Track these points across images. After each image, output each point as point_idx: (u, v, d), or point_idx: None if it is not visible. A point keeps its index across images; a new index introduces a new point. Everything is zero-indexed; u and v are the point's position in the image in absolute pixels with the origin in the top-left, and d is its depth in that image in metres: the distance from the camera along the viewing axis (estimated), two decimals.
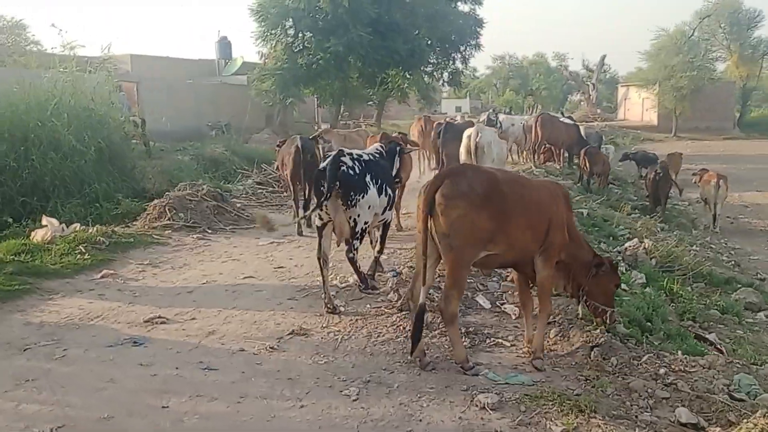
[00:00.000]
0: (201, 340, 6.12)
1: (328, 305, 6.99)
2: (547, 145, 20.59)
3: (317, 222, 7.18)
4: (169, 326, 6.52)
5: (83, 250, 8.92)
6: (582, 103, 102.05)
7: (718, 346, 7.04)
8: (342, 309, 7.02)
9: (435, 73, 36.37)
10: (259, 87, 29.32)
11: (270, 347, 5.91)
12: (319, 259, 7.10)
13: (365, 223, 7.16)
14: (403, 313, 6.66)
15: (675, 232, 15.21)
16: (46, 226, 9.79)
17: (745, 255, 15.92)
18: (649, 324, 6.90)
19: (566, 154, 21.35)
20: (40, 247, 8.87)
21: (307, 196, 10.71)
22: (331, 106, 33.42)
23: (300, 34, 30.12)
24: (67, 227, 10.02)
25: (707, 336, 7.44)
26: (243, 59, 35.74)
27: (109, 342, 6.04)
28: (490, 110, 26.41)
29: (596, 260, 6.00)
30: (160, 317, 6.67)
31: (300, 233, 10.92)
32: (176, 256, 9.54)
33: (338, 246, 7.45)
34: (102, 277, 8.24)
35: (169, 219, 11.11)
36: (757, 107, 58.26)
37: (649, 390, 5.07)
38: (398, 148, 8.27)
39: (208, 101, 30.71)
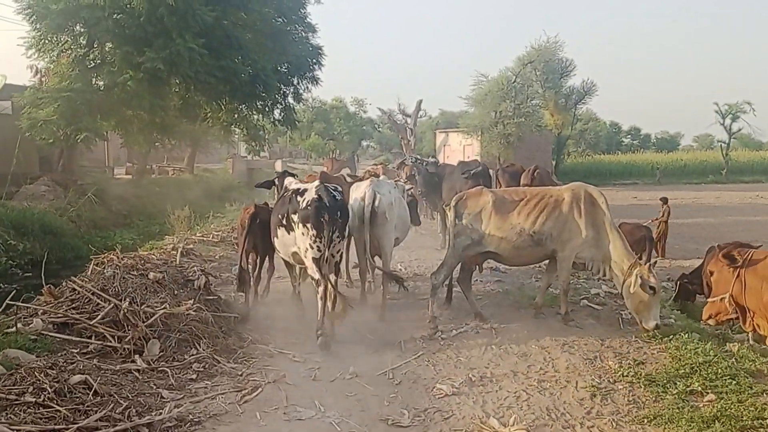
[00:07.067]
0: None
1: None
2: None
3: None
4: None
5: None
6: (370, 148, 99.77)
7: None
8: None
9: (266, 109, 28.02)
10: (34, 116, 19.09)
11: None
12: None
13: None
14: None
15: None
16: None
17: None
18: None
19: None
20: None
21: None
22: (141, 145, 23.70)
23: (97, 44, 20.42)
24: None
25: None
26: (5, 79, 24.65)
27: None
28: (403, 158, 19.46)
29: None
30: None
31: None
32: None
33: None
34: None
35: None
36: (573, 154, 57.25)
37: None
38: None
39: None
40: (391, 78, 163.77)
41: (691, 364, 5.96)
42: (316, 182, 7.50)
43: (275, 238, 7.79)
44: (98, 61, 20.38)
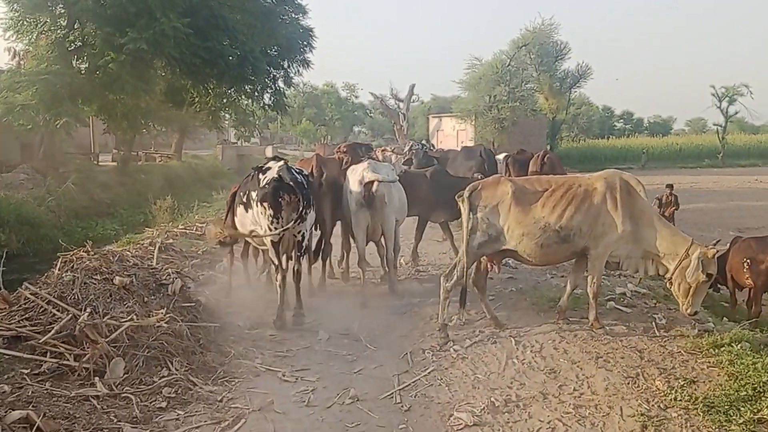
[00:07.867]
0: None
1: None
2: None
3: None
4: None
5: None
6: (361, 133, 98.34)
7: None
8: None
9: (256, 94, 26.74)
10: (12, 100, 17.92)
11: None
12: None
13: None
14: None
15: None
16: None
17: None
18: None
19: None
20: None
21: None
22: (125, 131, 22.50)
23: (77, 25, 19.21)
24: None
25: None
26: None
27: None
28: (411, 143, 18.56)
29: None
30: None
31: None
32: None
33: None
34: None
35: None
36: (566, 138, 55.99)
37: None
38: None
39: None
40: (383, 62, 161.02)
41: (753, 384, 4.98)
42: (280, 162, 7.19)
43: (234, 216, 7.61)
44: (79, 43, 19.23)
